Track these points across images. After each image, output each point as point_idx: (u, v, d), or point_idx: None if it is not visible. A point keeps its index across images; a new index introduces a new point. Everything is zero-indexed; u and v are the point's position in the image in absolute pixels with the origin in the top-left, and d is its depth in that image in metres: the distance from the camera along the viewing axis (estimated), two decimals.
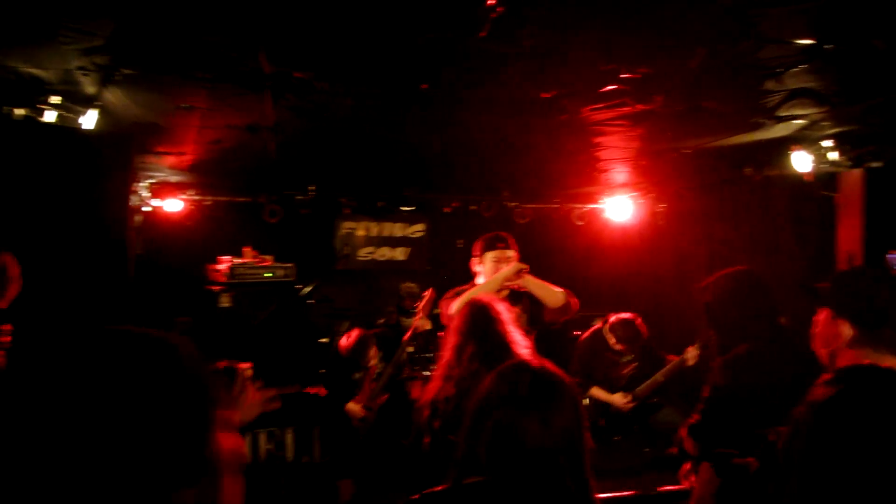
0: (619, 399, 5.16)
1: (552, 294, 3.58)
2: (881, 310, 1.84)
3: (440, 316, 3.62)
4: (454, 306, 3.41)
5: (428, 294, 4.83)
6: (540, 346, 3.44)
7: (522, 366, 1.59)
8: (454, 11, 2.38)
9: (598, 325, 5.40)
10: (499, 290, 3.58)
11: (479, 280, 3.69)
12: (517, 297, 3.61)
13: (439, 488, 1.54)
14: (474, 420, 1.54)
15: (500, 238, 3.68)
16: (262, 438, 5.11)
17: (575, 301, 3.66)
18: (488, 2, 2.29)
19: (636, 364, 5.29)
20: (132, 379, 0.78)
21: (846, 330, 1.87)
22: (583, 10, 2.40)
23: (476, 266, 3.75)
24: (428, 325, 4.83)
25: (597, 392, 5.23)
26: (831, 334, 1.92)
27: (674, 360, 5.11)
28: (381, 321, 6.85)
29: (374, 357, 5.08)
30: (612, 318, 5.27)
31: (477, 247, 3.74)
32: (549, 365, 1.60)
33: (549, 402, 1.48)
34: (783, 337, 2.71)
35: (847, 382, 1.25)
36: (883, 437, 1.16)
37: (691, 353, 4.91)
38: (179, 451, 0.80)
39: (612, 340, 5.24)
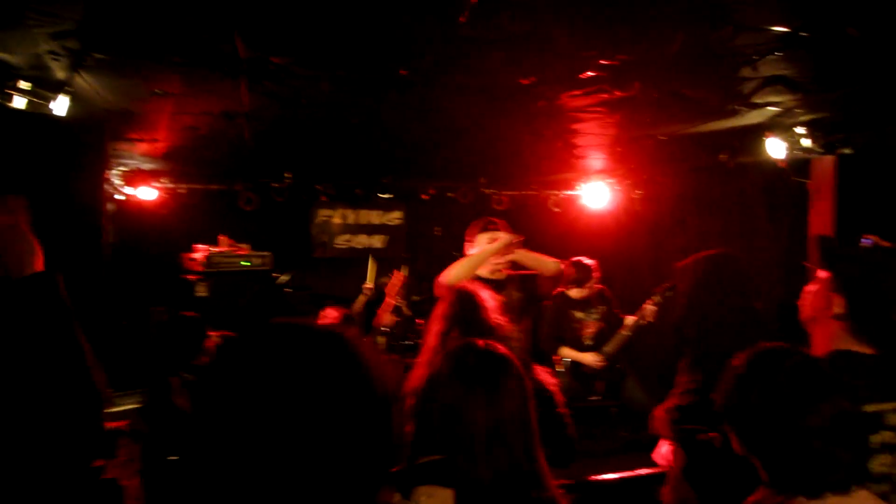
0: (589, 358, 5.26)
1: (545, 263, 3.72)
2: (879, 309, 1.85)
3: (435, 288, 3.69)
4: (446, 275, 3.50)
5: (394, 276, 4.81)
6: (533, 327, 3.51)
7: (469, 346, 1.61)
8: None
9: (560, 288, 5.51)
10: (494, 270, 3.69)
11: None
12: (501, 285, 3.67)
13: (392, 469, 1.56)
14: (423, 400, 1.55)
15: (491, 221, 3.86)
16: None
17: (563, 267, 3.80)
18: None
19: (601, 324, 5.40)
20: (332, 375, 0.76)
21: (837, 305, 1.89)
22: None
23: (470, 251, 3.84)
24: (392, 305, 4.78)
25: (567, 352, 5.33)
26: (823, 302, 1.95)
27: (634, 317, 5.24)
28: (360, 308, 6.83)
29: None
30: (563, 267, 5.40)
31: (470, 232, 3.86)
32: (496, 345, 1.63)
33: (494, 380, 1.51)
34: (758, 321, 2.75)
35: (755, 357, 1.46)
36: (773, 404, 1.36)
37: (648, 309, 5.03)
38: (382, 447, 0.78)
39: (573, 292, 5.36)
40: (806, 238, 4.84)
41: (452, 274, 3.54)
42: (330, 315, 5.01)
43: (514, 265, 3.82)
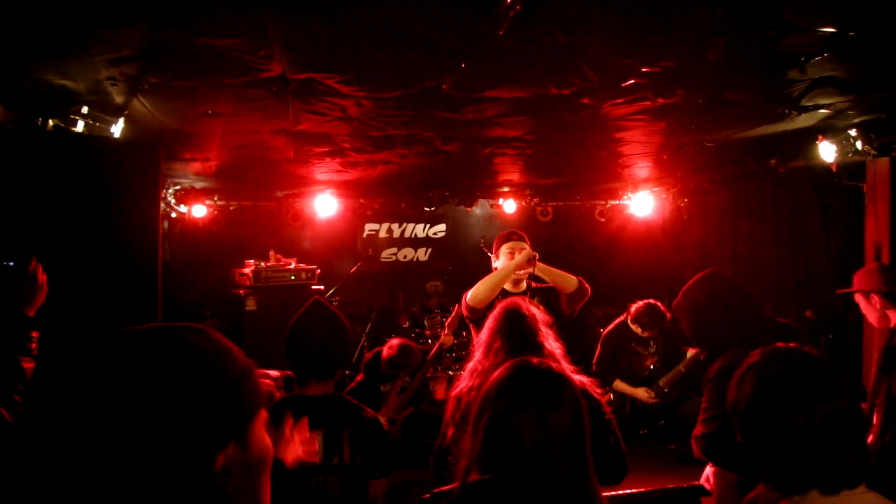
0: (642, 393, 5.20)
1: (566, 279, 3.70)
2: None
3: (461, 304, 3.73)
4: (470, 293, 3.54)
5: (455, 311, 4.87)
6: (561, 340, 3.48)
7: (523, 363, 1.58)
8: (474, 10, 2.39)
9: (622, 317, 5.44)
10: (515, 280, 3.70)
11: None
12: (532, 294, 3.69)
13: (447, 487, 1.55)
14: (477, 415, 1.54)
15: (514, 232, 3.90)
16: None
17: (587, 286, 3.75)
18: (506, 0, 2.30)
19: (658, 357, 5.35)
20: (149, 377, 0.81)
21: None
22: (601, 3, 2.40)
23: (494, 263, 3.88)
24: (452, 341, 4.88)
25: (620, 385, 5.28)
26: None
27: (693, 351, 5.13)
28: (406, 323, 6.89)
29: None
30: (634, 308, 5.30)
31: (494, 245, 3.91)
32: (553, 364, 1.60)
33: (546, 399, 1.47)
34: (770, 331, 2.64)
35: (763, 356, 1.47)
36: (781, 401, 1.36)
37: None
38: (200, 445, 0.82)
39: (637, 329, 5.28)
40: (862, 243, 4.69)
41: (476, 292, 3.57)
42: (396, 344, 5.04)
43: (537, 279, 3.82)
